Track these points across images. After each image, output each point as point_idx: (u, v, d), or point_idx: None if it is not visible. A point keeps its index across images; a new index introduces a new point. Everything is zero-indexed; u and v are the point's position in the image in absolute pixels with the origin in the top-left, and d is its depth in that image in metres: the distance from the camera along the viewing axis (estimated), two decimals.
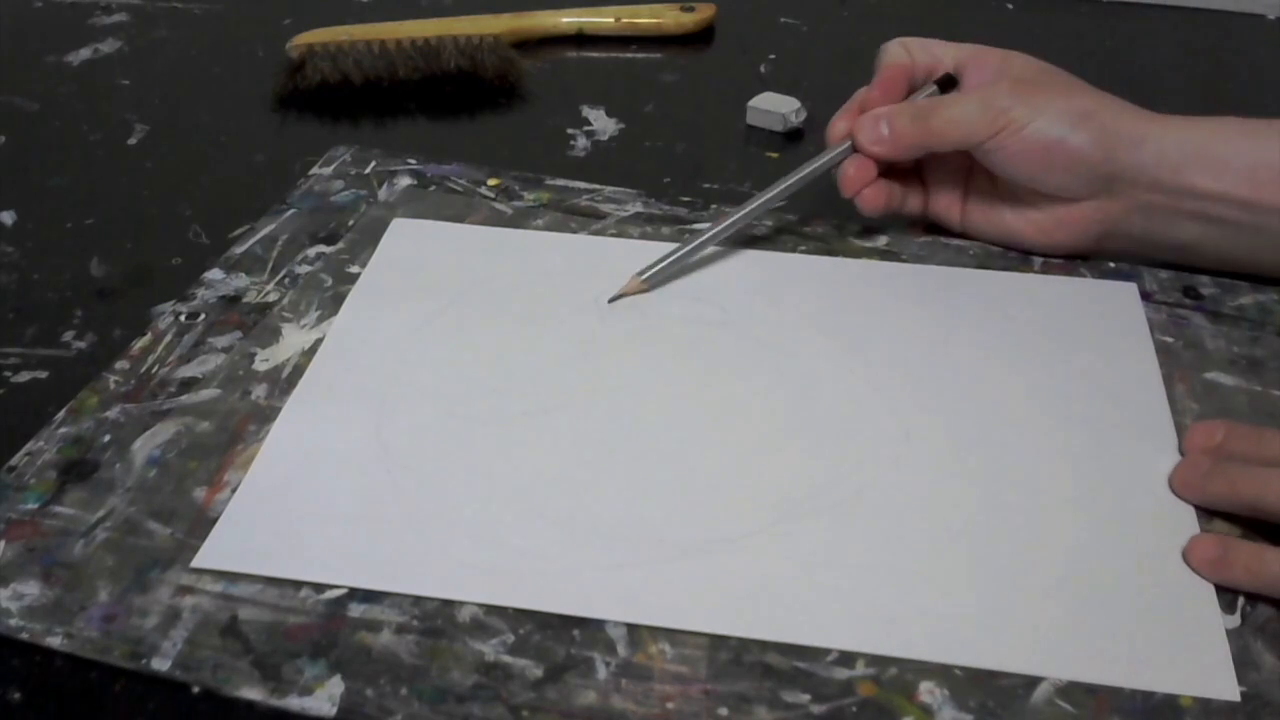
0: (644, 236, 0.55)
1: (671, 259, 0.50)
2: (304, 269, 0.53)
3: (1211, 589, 0.38)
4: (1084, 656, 0.36)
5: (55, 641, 0.36)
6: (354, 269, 0.53)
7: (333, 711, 0.35)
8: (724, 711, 0.35)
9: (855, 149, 0.51)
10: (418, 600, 0.38)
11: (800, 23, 0.78)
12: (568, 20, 0.75)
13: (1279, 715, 0.34)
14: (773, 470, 0.42)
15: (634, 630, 0.37)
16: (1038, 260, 0.52)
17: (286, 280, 0.52)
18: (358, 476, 0.42)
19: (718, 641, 0.36)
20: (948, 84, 0.53)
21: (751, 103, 0.65)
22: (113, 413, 0.45)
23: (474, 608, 0.37)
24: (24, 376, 0.47)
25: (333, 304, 0.50)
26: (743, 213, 0.51)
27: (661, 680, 0.35)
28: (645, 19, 0.75)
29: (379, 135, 0.65)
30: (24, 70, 0.71)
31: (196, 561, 0.39)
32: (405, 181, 0.59)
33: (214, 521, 0.40)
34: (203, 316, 0.50)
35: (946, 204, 0.54)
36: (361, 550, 0.39)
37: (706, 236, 0.51)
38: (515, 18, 0.74)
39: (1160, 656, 0.36)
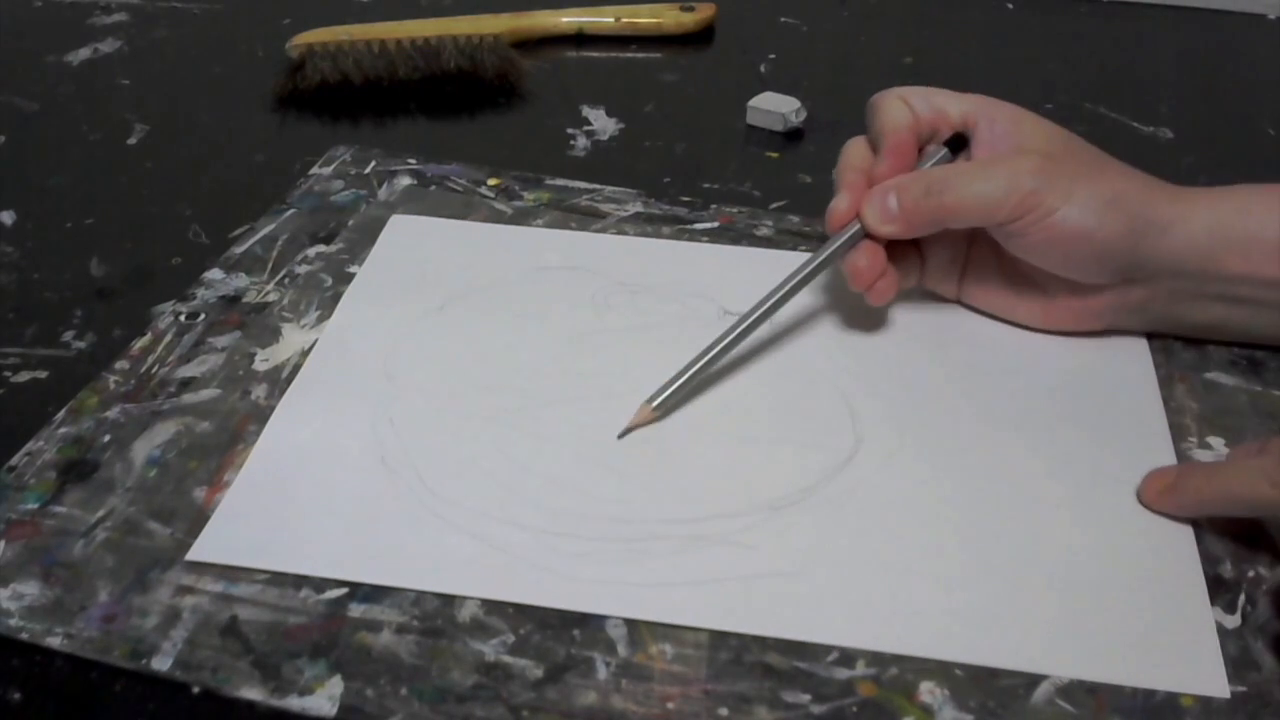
0: (644, 236, 0.55)
1: (681, 381, 0.44)
2: (304, 269, 0.53)
3: (1204, 588, 0.38)
4: (1079, 654, 0.36)
5: (55, 641, 0.36)
6: (353, 269, 0.53)
7: (333, 711, 0.35)
8: (724, 711, 0.35)
9: (864, 231, 0.46)
10: (418, 600, 0.38)
11: (800, 23, 0.78)
12: (568, 20, 0.75)
13: (1279, 715, 0.34)
14: (771, 466, 0.42)
15: (634, 630, 0.37)
16: None
17: (286, 280, 0.52)
18: (354, 471, 0.42)
19: (718, 641, 0.36)
20: (957, 143, 0.48)
21: (751, 103, 0.65)
22: (113, 413, 0.45)
23: (474, 608, 0.37)
24: (24, 376, 0.47)
25: (332, 304, 0.50)
26: (752, 318, 0.46)
27: (661, 680, 0.35)
28: (645, 19, 0.74)
29: (379, 135, 0.65)
30: (24, 70, 0.71)
31: (192, 555, 0.39)
32: (405, 181, 0.59)
33: None
34: (203, 316, 0.50)
35: (944, 277, 0.49)
36: (358, 545, 0.39)
37: (715, 351, 0.45)
38: (515, 18, 0.74)
39: (1153, 654, 0.36)
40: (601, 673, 0.36)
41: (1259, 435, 0.44)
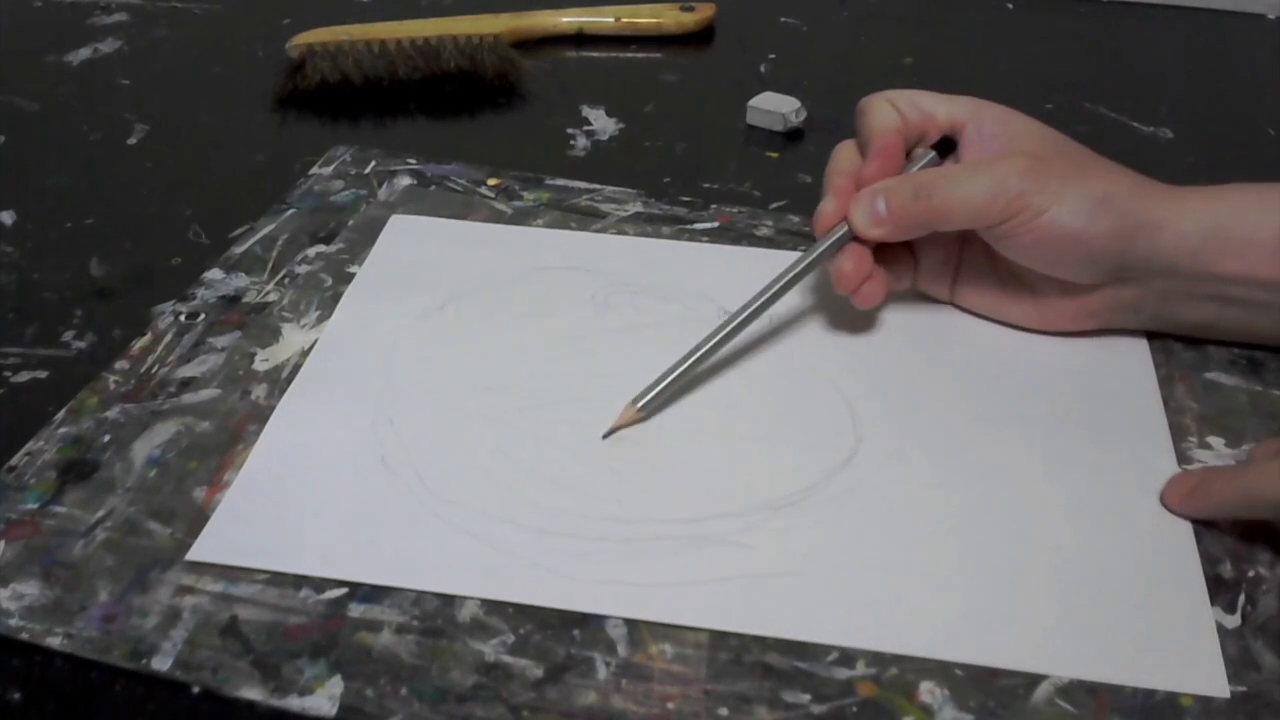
0: (644, 236, 0.55)
1: (666, 383, 0.44)
2: (304, 269, 0.53)
3: (1204, 587, 0.38)
4: (1079, 653, 0.36)
5: (55, 641, 0.36)
6: (353, 269, 0.53)
7: (333, 711, 0.35)
8: (724, 711, 0.35)
9: (852, 234, 0.46)
10: (418, 600, 0.38)
11: (800, 23, 0.78)
12: (568, 20, 0.75)
13: (1279, 715, 0.34)
14: (771, 466, 0.42)
15: (634, 630, 0.37)
16: None
17: (286, 280, 0.52)
18: (354, 471, 0.42)
19: (718, 641, 0.36)
20: (946, 147, 0.48)
21: (751, 103, 0.65)
22: (113, 413, 0.45)
23: (474, 608, 0.37)
24: (24, 376, 0.47)
25: (332, 304, 0.50)
26: (738, 320, 0.45)
27: (661, 680, 0.35)
28: (645, 19, 0.74)
29: (379, 135, 0.65)
30: (24, 70, 0.71)
31: (192, 555, 0.39)
32: (405, 181, 0.59)
33: None
34: (203, 316, 0.50)
35: (936, 279, 0.49)
36: (358, 545, 0.39)
37: (701, 353, 0.45)
38: (515, 18, 0.74)
39: (1152, 654, 0.36)
40: (601, 673, 0.36)
41: (1259, 435, 0.44)
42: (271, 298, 0.51)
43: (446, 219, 0.56)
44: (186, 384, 0.46)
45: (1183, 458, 0.43)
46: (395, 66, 0.68)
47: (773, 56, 0.73)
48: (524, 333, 0.49)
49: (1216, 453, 0.43)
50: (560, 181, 0.59)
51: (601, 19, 0.75)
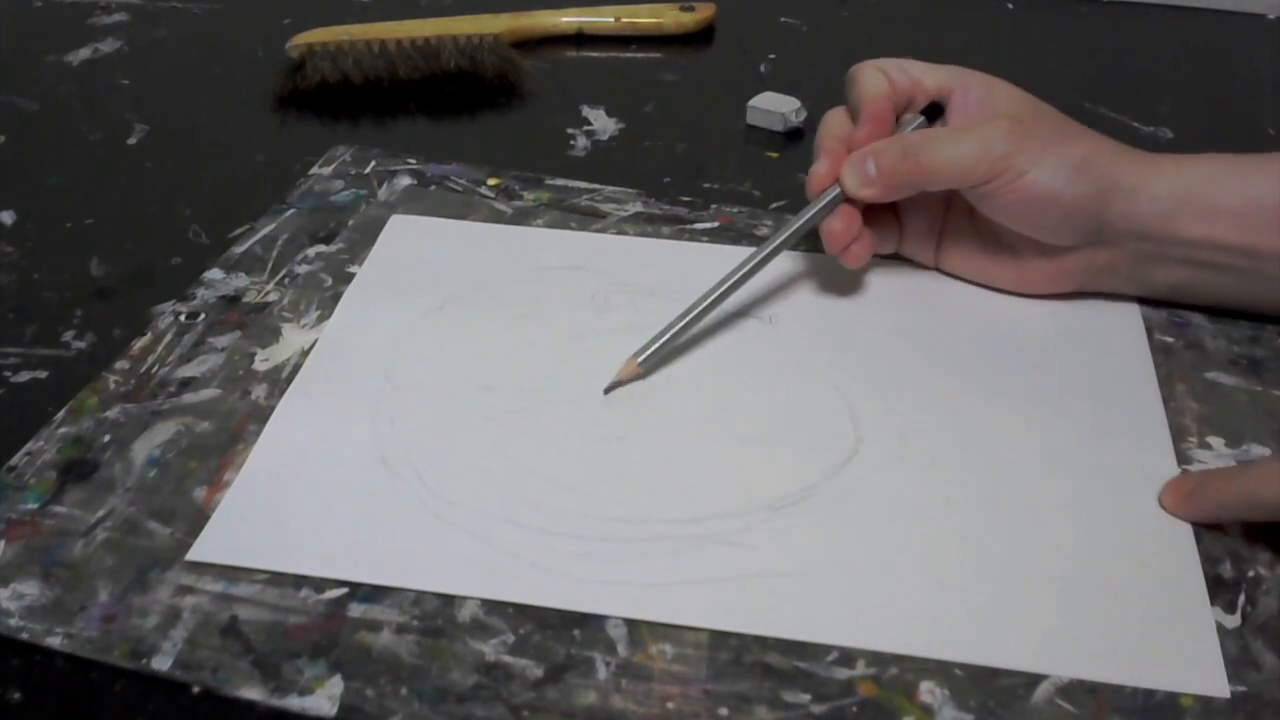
0: (643, 236, 0.55)
1: (666, 338, 0.46)
2: (304, 269, 0.53)
3: (1203, 587, 0.38)
4: (1079, 653, 0.36)
5: (55, 641, 0.36)
6: (353, 269, 0.53)
7: (333, 711, 0.35)
8: (724, 711, 0.35)
9: (844, 194, 0.48)
10: (418, 600, 0.38)
11: (800, 23, 0.78)
12: (568, 20, 0.75)
13: (1279, 715, 0.34)
14: (771, 466, 0.42)
15: (634, 630, 0.37)
16: None
17: (286, 280, 0.52)
18: (354, 471, 0.42)
19: (718, 641, 0.36)
20: (933, 112, 0.49)
21: (751, 102, 0.65)
22: (113, 413, 0.45)
23: (474, 608, 0.37)
24: (24, 376, 0.47)
25: (332, 304, 0.50)
26: (733, 279, 0.47)
27: (662, 680, 0.35)
28: (645, 19, 0.74)
29: (379, 135, 0.65)
30: (24, 70, 0.71)
31: (191, 555, 0.39)
32: (405, 181, 0.59)
33: None
34: (203, 316, 0.50)
35: (921, 242, 0.51)
36: (358, 545, 0.39)
37: (699, 309, 0.46)
38: (515, 18, 0.74)
39: (1152, 654, 0.36)
40: (601, 673, 0.36)
41: (1259, 435, 0.44)
42: (271, 298, 0.51)
43: (446, 219, 0.56)
44: (186, 384, 0.46)
45: (1183, 458, 0.43)
46: (395, 66, 0.68)
47: (773, 56, 0.73)
48: (524, 332, 0.49)
49: (1216, 453, 0.43)
50: (560, 181, 0.59)
51: (601, 19, 0.75)
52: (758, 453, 0.43)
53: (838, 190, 0.48)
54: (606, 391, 0.45)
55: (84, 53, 0.73)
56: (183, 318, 0.50)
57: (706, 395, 0.46)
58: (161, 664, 0.36)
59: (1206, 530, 0.40)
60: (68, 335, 0.49)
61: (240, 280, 0.52)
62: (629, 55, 0.74)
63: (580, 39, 0.75)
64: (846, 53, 0.73)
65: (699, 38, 0.75)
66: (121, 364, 0.47)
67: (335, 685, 0.35)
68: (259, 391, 0.46)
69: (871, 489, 0.42)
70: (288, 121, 0.66)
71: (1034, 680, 0.35)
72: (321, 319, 0.50)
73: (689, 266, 0.52)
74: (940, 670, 0.36)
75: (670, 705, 0.35)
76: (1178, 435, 0.44)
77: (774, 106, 0.64)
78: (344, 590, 0.38)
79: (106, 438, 0.44)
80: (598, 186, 0.58)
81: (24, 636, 0.36)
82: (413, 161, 0.60)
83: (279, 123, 0.66)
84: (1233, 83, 0.71)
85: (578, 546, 0.39)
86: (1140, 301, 0.50)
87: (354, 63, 0.67)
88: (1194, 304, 0.49)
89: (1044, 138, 0.46)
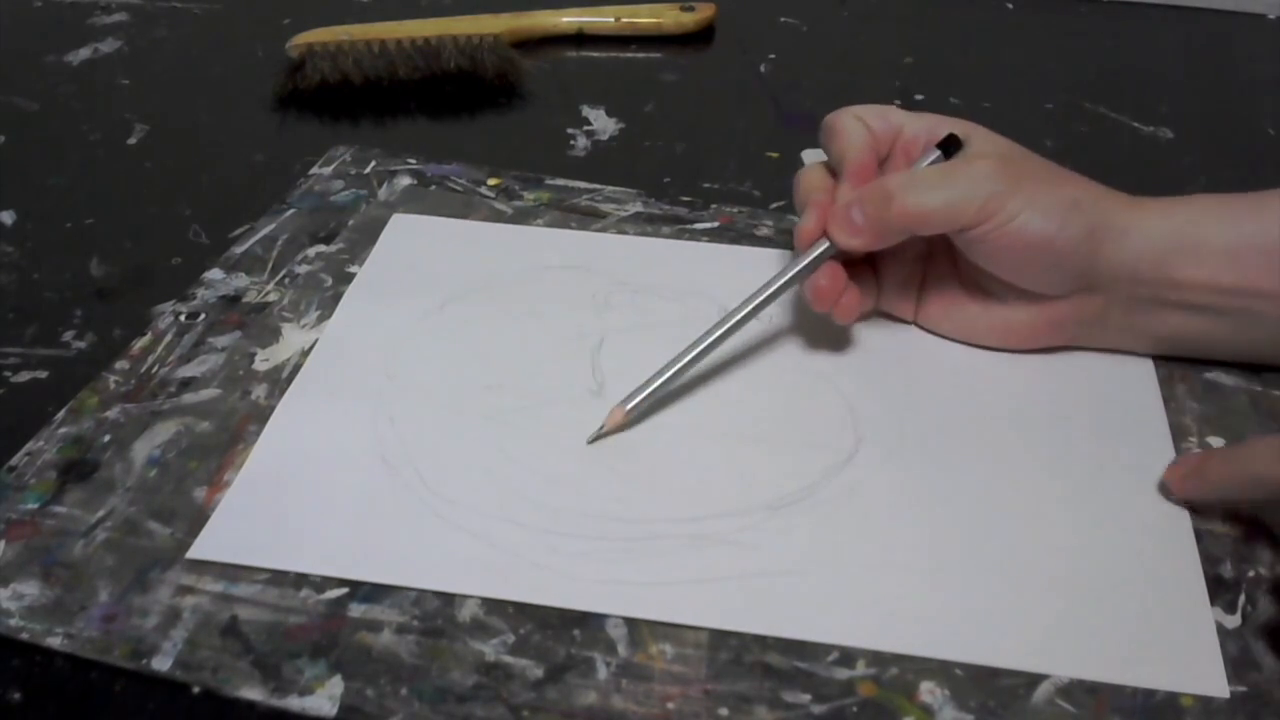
0: (644, 236, 0.55)
1: (655, 386, 0.44)
2: (304, 269, 0.53)
3: (1204, 588, 0.38)
4: (1077, 653, 0.36)
5: (55, 641, 0.36)
6: (353, 269, 0.53)
7: (333, 711, 0.35)
8: (724, 711, 0.35)
9: (833, 248, 0.45)
10: (418, 600, 0.38)
11: (800, 23, 0.78)
12: (568, 20, 0.75)
13: (1279, 715, 0.35)
14: (771, 466, 0.42)
15: (634, 630, 0.37)
16: None
17: (286, 280, 0.52)
18: (355, 470, 0.42)
19: (718, 641, 0.36)
20: (950, 147, 0.46)
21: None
22: (113, 413, 0.45)
23: (474, 608, 0.37)
24: (24, 376, 0.47)
25: (332, 304, 0.50)
26: (722, 330, 0.45)
27: (662, 680, 0.35)
28: (645, 19, 0.74)
29: (379, 135, 0.65)
30: (24, 70, 0.71)
31: (192, 553, 0.39)
32: (405, 181, 0.59)
33: None
34: (203, 316, 0.50)
35: (900, 296, 0.49)
36: (359, 544, 0.39)
37: (688, 359, 0.44)
38: (515, 18, 0.73)
39: (1152, 654, 0.36)
40: (601, 673, 0.36)
41: (1260, 435, 0.44)
42: (271, 298, 0.51)
43: (446, 219, 0.56)
44: (186, 384, 0.46)
45: None
46: (395, 66, 0.67)
47: (773, 56, 0.73)
48: (524, 332, 0.49)
49: None
50: (560, 181, 0.59)
51: (601, 19, 0.75)
52: (758, 452, 0.43)
53: (826, 244, 0.45)
54: (590, 442, 0.43)
55: (84, 53, 0.73)
56: (183, 318, 0.50)
57: (706, 395, 0.46)
58: (161, 664, 0.36)
59: (1207, 530, 0.40)
60: (68, 335, 0.49)
61: (240, 280, 0.52)
62: (629, 55, 0.74)
63: (580, 39, 0.75)
64: (846, 53, 0.74)
65: (699, 38, 0.75)
66: (121, 364, 0.47)
67: (335, 685, 0.35)
68: (259, 391, 0.46)
69: (871, 489, 0.42)
70: (288, 121, 0.66)
71: (1034, 680, 0.35)
72: (321, 319, 0.50)
73: (689, 266, 0.52)
74: (940, 670, 0.36)
75: (670, 705, 0.35)
76: (1178, 435, 0.44)
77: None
78: (344, 590, 0.38)
79: (106, 438, 0.44)
80: (598, 186, 0.58)
81: (24, 636, 0.36)
82: (413, 161, 0.60)
83: (279, 123, 0.66)
84: (1233, 83, 0.71)
85: (578, 545, 0.39)
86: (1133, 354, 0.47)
87: (354, 63, 0.67)
88: (1192, 357, 0.47)
89: (1033, 178, 0.44)
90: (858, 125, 0.47)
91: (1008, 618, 0.37)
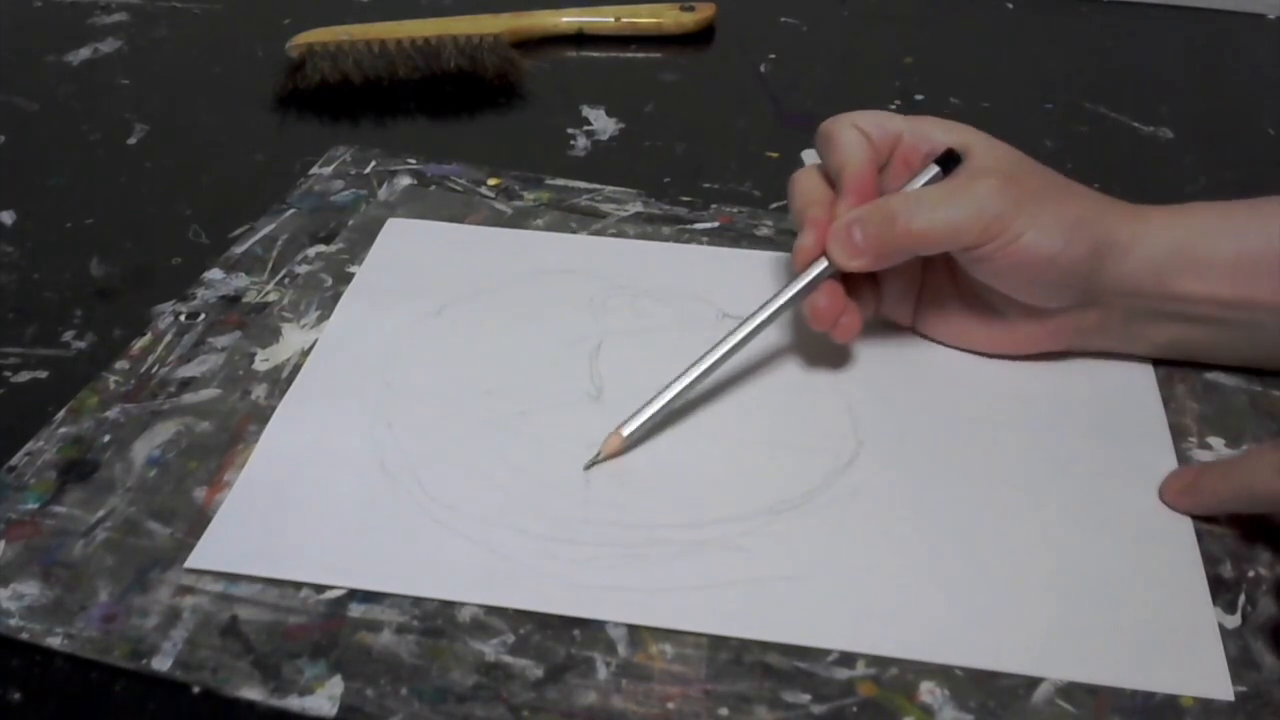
0: (644, 236, 0.55)
1: (653, 411, 0.43)
2: (304, 269, 0.53)
3: (1206, 590, 0.38)
4: (1080, 657, 0.36)
5: (55, 641, 0.36)
6: (353, 269, 0.53)
7: (333, 711, 0.35)
8: (724, 711, 0.35)
9: (832, 268, 0.45)
10: (418, 600, 0.38)
11: (800, 23, 0.78)
12: (568, 20, 0.75)
13: (1279, 715, 0.35)
14: (771, 470, 0.42)
15: (634, 630, 0.37)
16: None
17: (286, 280, 0.52)
18: (353, 476, 0.42)
19: (718, 641, 0.36)
20: (949, 162, 0.45)
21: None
22: (113, 413, 0.45)
23: (474, 608, 0.37)
24: (24, 376, 0.47)
25: (332, 304, 0.50)
26: (721, 352, 0.44)
27: (662, 680, 0.35)
28: (645, 19, 0.74)
29: (379, 135, 0.65)
30: (24, 70, 0.71)
31: (191, 562, 0.39)
32: (405, 181, 0.59)
33: None
34: (203, 316, 0.50)
35: (899, 305, 0.48)
36: (358, 550, 0.39)
37: (686, 384, 0.44)
38: (515, 18, 0.73)
39: (1155, 657, 0.36)
40: (601, 673, 0.36)
41: (1259, 435, 0.44)
42: (271, 298, 0.51)
43: (442, 223, 0.56)
44: (186, 384, 0.46)
45: (1183, 458, 0.43)
46: (395, 66, 0.67)
47: (773, 56, 0.73)
48: (522, 336, 0.49)
49: (1216, 453, 0.43)
50: (560, 181, 0.59)
51: (601, 19, 0.75)
52: (758, 456, 0.43)
53: (825, 264, 0.44)
54: (587, 468, 0.42)
55: (84, 53, 0.73)
56: (183, 318, 0.50)
57: (707, 399, 0.46)
58: (161, 664, 0.36)
59: (1207, 530, 0.40)
60: (68, 335, 0.49)
61: (240, 280, 0.52)
62: (629, 55, 0.74)
63: (580, 39, 0.75)
64: (846, 53, 0.74)
65: (699, 38, 0.75)
66: (121, 364, 0.47)
67: (335, 685, 0.35)
68: (259, 391, 0.46)
69: (872, 493, 0.42)
70: (288, 121, 0.66)
71: (1034, 680, 0.35)
72: (321, 319, 0.50)
73: (687, 269, 0.52)
74: (940, 670, 0.36)
75: (670, 705, 0.35)
76: (1178, 435, 0.44)
77: None
78: (344, 590, 0.38)
79: (106, 438, 0.44)
80: (598, 186, 0.58)
81: (24, 636, 0.36)
82: (413, 161, 0.60)
83: (279, 123, 0.66)
84: (1233, 83, 0.71)
85: (578, 551, 0.39)
86: (1130, 358, 0.47)
87: (354, 63, 0.67)
88: (1190, 361, 0.47)
89: (1036, 195, 0.43)
90: (856, 136, 0.46)
91: (1010, 621, 0.37)
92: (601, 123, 0.65)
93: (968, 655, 0.36)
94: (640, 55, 0.74)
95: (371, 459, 0.43)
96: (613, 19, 0.74)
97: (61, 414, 0.45)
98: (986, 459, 0.43)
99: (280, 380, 0.46)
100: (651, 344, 0.48)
